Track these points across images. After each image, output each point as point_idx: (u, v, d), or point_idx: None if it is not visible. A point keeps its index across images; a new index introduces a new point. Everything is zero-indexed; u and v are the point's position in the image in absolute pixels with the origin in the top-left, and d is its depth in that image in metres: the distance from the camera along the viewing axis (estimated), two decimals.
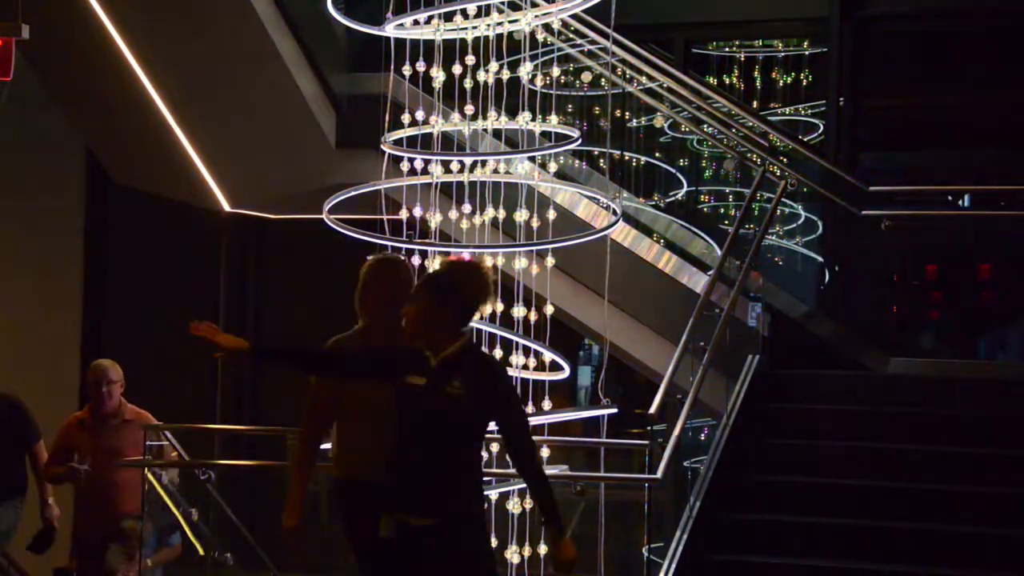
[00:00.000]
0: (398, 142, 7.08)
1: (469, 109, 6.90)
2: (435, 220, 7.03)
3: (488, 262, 7.07)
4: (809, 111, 10.83)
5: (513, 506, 7.01)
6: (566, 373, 7.22)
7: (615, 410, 7.14)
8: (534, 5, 6.85)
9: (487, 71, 6.84)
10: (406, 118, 7.12)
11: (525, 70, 6.87)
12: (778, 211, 8.70)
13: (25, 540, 7.75)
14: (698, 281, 8.29)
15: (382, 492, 4.61)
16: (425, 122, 7.07)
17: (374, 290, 5.27)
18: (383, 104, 6.96)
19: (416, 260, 7.01)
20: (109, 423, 7.39)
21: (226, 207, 9.90)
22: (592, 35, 8.51)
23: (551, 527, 4.67)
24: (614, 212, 7.37)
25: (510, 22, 6.87)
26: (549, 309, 7.05)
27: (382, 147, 7.02)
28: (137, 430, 7.13)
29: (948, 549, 6.56)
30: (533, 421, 7.05)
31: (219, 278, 10.86)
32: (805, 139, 10.10)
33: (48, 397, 10.02)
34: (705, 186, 10.77)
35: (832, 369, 8.05)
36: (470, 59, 6.86)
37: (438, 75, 6.88)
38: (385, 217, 6.88)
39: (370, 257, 5.40)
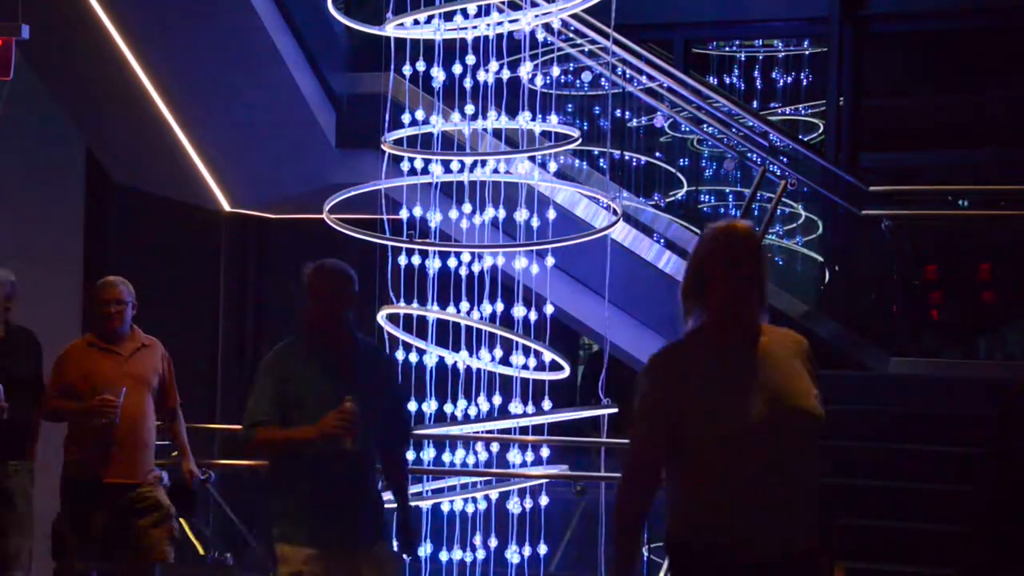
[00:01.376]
0: (398, 142, 7.09)
1: (469, 109, 6.91)
2: (435, 220, 7.04)
3: (489, 262, 7.09)
4: (809, 111, 10.83)
5: (513, 506, 7.01)
6: (566, 373, 7.23)
7: (615, 410, 7.15)
8: (534, 5, 6.85)
9: (487, 71, 6.84)
10: (406, 118, 7.12)
11: (525, 70, 6.88)
12: (778, 211, 8.71)
13: None
14: None
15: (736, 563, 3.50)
16: (425, 122, 7.07)
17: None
18: (383, 104, 6.96)
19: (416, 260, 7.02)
20: (124, 350, 6.23)
21: (226, 207, 9.90)
22: (592, 35, 8.51)
23: None
24: (614, 212, 7.37)
25: (510, 22, 6.88)
26: (549, 309, 7.05)
27: (382, 147, 7.02)
28: (157, 358, 6.31)
29: (948, 549, 6.55)
30: (533, 421, 7.06)
31: (219, 278, 10.85)
32: (805, 139, 10.10)
33: None
34: (705, 186, 10.78)
35: (832, 369, 8.05)
36: (470, 59, 6.87)
37: (438, 75, 6.89)
38: (385, 217, 6.88)
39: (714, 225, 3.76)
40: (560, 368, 7.14)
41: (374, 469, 4.87)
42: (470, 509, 7.15)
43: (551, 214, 7.10)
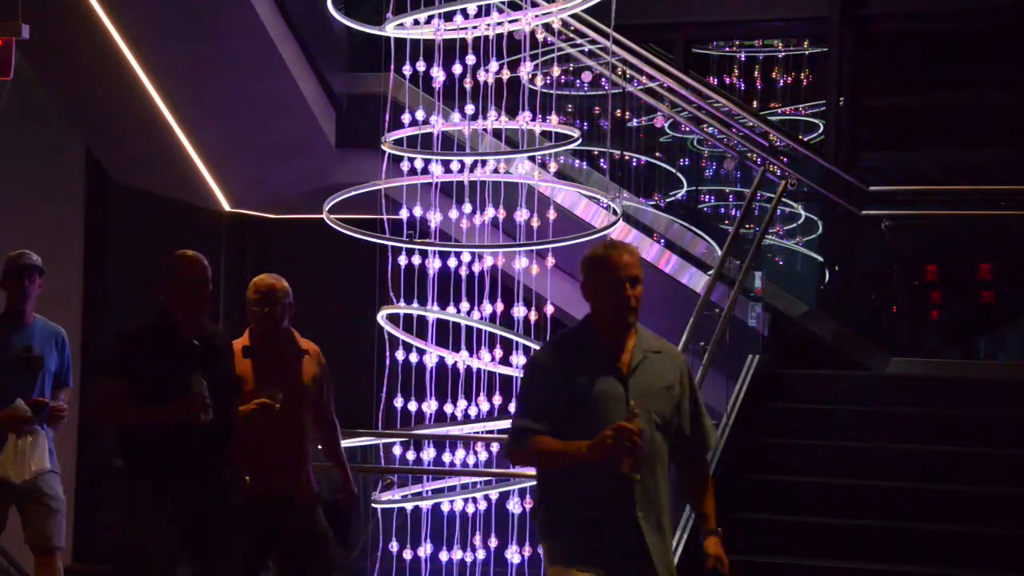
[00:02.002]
0: (398, 142, 7.09)
1: (469, 109, 6.91)
2: (435, 220, 7.04)
3: (489, 262, 7.09)
4: (809, 111, 10.83)
5: (513, 506, 7.01)
6: None
7: None
8: (534, 5, 6.85)
9: (487, 71, 6.85)
10: (406, 118, 7.12)
11: (525, 70, 6.88)
12: (778, 211, 8.71)
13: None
14: (698, 281, 8.29)
15: None
16: (425, 122, 7.07)
17: None
18: (383, 104, 6.96)
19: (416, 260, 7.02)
20: (283, 352, 5.66)
21: (226, 207, 9.90)
22: (592, 35, 8.51)
23: None
24: (614, 212, 7.37)
25: (510, 22, 6.88)
26: (549, 309, 7.05)
27: (382, 147, 7.02)
28: (315, 365, 5.73)
29: (949, 549, 6.56)
30: None
31: (219, 278, 10.85)
32: (805, 139, 10.10)
33: None
34: (705, 186, 10.77)
35: (832, 369, 8.05)
36: (470, 59, 6.87)
37: (438, 75, 6.89)
38: (385, 217, 6.88)
39: None
40: None
41: (660, 486, 4.08)
42: (470, 509, 7.15)
43: (551, 214, 7.10)
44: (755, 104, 10.82)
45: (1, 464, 6.24)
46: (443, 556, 7.15)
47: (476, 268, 7.10)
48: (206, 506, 5.13)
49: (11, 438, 6.21)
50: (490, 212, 7.02)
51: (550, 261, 7.03)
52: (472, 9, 6.84)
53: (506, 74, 6.87)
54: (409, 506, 7.04)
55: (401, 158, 7.12)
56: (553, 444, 3.97)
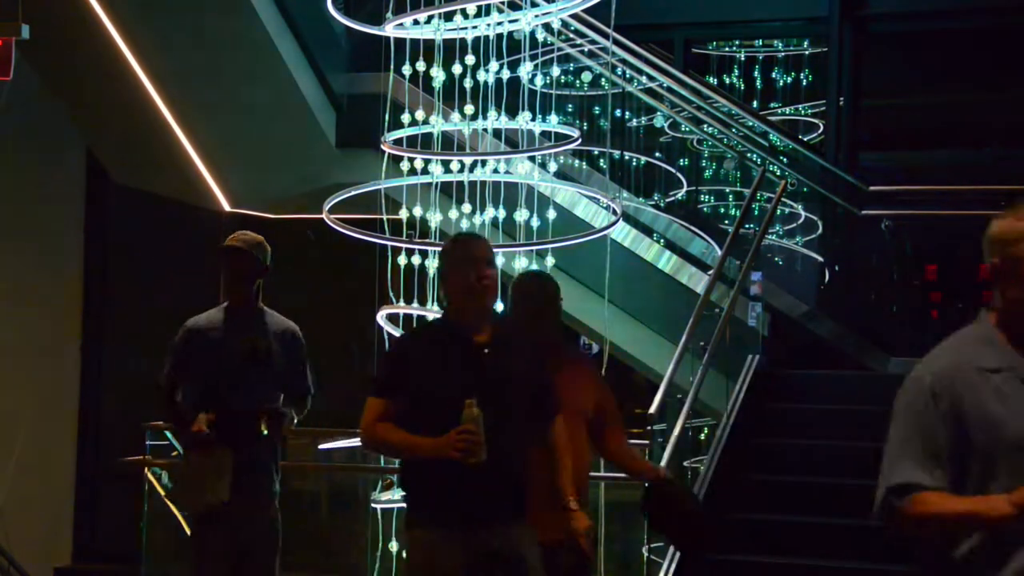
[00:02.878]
0: (398, 142, 7.08)
1: (469, 109, 6.91)
2: (435, 220, 7.04)
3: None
4: (809, 111, 10.83)
5: None
6: None
7: None
8: (534, 5, 6.85)
9: (487, 71, 6.84)
10: (406, 118, 7.12)
11: (525, 70, 6.88)
12: (778, 211, 8.71)
13: None
14: (698, 281, 8.29)
15: None
16: (425, 122, 7.07)
17: None
18: (383, 104, 6.96)
19: (416, 260, 7.02)
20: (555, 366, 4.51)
21: (226, 207, 9.90)
22: (592, 35, 8.51)
23: None
24: (614, 212, 7.37)
25: (510, 22, 6.87)
26: None
27: (382, 147, 7.02)
28: (595, 378, 4.94)
29: None
30: None
31: (219, 278, 10.84)
32: (805, 139, 10.10)
33: (47, 396, 10.02)
34: (705, 186, 10.78)
35: (832, 369, 8.05)
36: (470, 59, 6.87)
37: (438, 75, 6.89)
38: (385, 217, 6.88)
39: None
40: None
41: None
42: None
43: (551, 214, 7.10)
44: (755, 104, 10.83)
45: (178, 491, 5.51)
46: None
47: None
48: (498, 565, 4.13)
49: (194, 458, 5.45)
50: (490, 212, 7.02)
51: (550, 261, 7.03)
52: (472, 9, 6.84)
53: (506, 74, 6.86)
54: None
55: (401, 158, 7.12)
56: (952, 504, 2.80)
